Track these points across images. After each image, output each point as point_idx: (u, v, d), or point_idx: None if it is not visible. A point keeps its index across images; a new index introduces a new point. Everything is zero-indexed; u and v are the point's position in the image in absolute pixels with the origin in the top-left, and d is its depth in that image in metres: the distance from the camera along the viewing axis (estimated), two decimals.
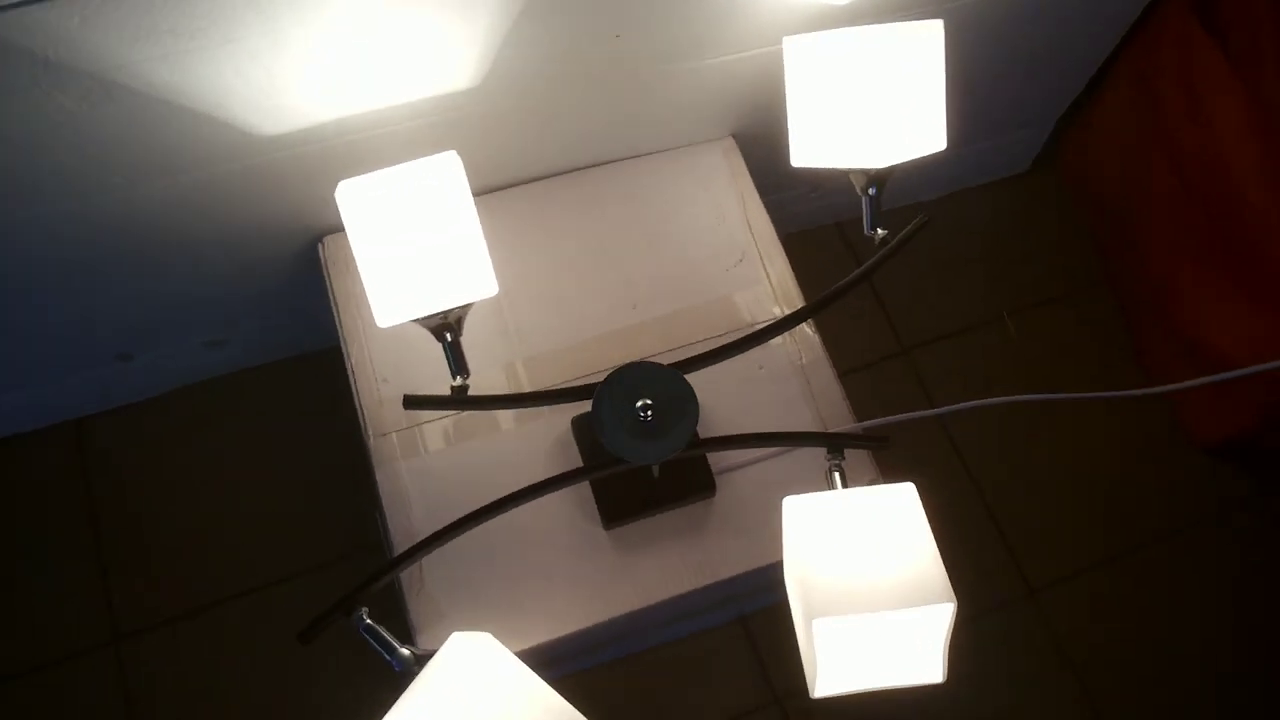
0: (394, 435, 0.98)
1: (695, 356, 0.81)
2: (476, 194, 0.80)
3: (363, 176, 0.76)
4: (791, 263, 1.07)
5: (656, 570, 0.94)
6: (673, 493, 0.94)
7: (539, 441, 0.98)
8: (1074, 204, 1.52)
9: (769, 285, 1.06)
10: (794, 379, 1.01)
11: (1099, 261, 1.48)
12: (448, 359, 0.81)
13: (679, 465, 0.94)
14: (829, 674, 0.70)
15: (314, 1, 0.76)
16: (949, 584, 0.68)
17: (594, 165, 1.10)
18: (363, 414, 0.99)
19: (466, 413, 0.99)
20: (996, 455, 1.34)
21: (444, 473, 0.96)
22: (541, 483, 0.79)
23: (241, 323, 1.21)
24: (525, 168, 1.07)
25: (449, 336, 0.80)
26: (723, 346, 0.82)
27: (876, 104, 0.84)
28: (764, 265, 1.07)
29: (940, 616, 0.67)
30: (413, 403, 0.81)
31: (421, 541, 0.79)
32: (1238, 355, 1.22)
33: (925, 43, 0.84)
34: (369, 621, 0.75)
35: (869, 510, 0.74)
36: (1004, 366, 1.41)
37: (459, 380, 0.81)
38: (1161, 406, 1.40)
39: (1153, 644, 1.27)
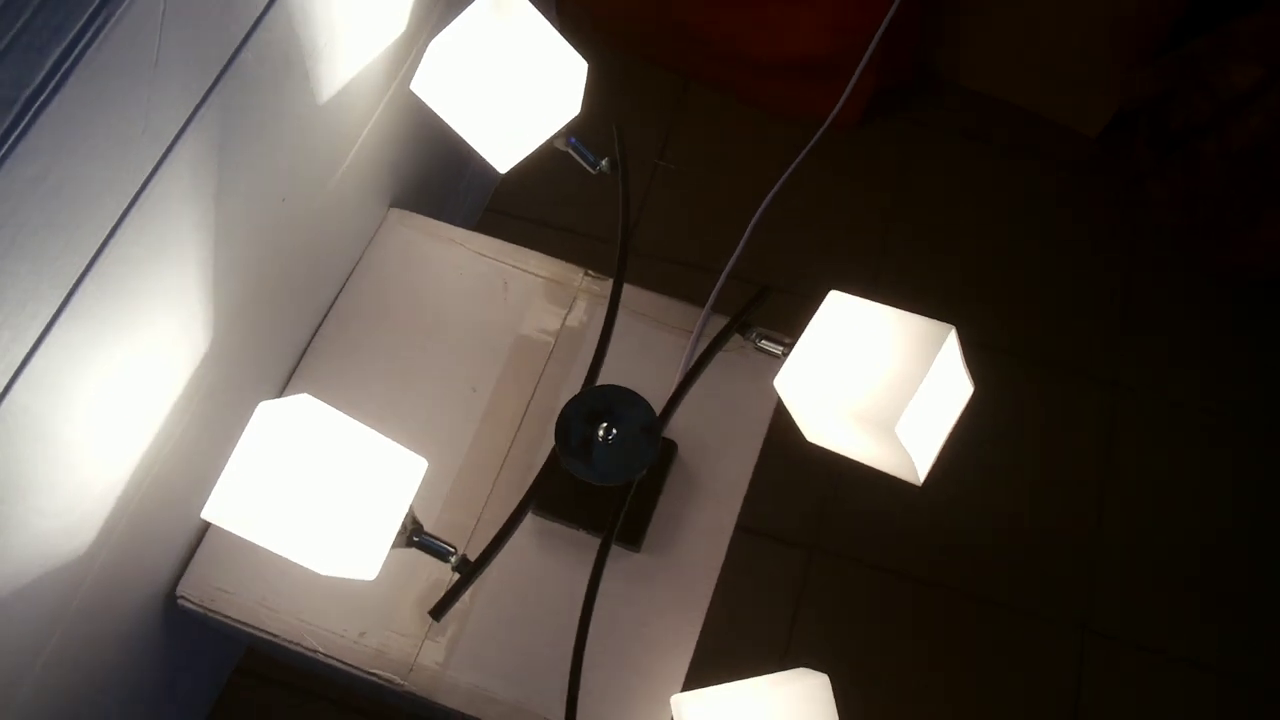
0: None
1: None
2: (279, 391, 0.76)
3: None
4: (534, 245, 1.11)
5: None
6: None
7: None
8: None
9: (542, 280, 1.09)
10: (646, 345, 1.06)
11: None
12: (430, 552, 0.78)
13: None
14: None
15: None
16: None
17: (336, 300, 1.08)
18: None
19: None
20: None
21: None
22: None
23: None
24: (294, 344, 1.03)
25: (417, 537, 0.78)
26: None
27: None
28: (524, 271, 1.09)
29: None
30: (440, 611, 0.78)
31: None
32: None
33: None
34: None
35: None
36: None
37: (452, 558, 0.79)
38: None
39: None
